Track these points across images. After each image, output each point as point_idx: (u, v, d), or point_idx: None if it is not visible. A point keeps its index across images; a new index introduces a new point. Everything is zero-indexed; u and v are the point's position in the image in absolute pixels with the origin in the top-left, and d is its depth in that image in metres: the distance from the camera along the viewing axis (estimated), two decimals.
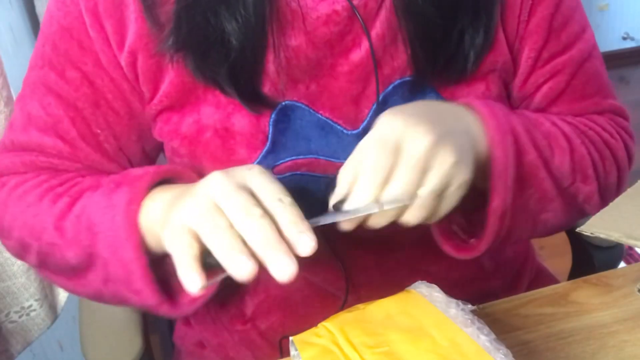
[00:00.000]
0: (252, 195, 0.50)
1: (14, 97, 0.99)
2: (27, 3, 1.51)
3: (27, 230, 0.67)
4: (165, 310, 0.61)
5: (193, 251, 0.50)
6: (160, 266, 0.61)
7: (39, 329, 1.08)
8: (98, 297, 0.67)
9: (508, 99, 0.75)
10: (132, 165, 0.73)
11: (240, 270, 0.47)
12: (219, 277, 0.50)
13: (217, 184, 0.51)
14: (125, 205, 0.59)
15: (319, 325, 0.53)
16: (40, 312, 1.06)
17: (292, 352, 0.51)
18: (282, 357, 0.69)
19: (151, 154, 0.75)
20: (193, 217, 0.50)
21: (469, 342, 0.48)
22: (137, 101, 0.69)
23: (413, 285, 0.56)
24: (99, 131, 0.69)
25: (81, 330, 0.89)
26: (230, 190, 0.50)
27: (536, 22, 0.70)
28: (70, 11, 0.66)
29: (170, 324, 0.94)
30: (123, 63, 0.66)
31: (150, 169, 0.62)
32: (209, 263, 0.50)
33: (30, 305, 1.05)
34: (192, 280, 0.48)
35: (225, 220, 0.49)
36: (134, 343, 0.84)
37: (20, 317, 1.05)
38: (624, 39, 3.34)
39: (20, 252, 0.71)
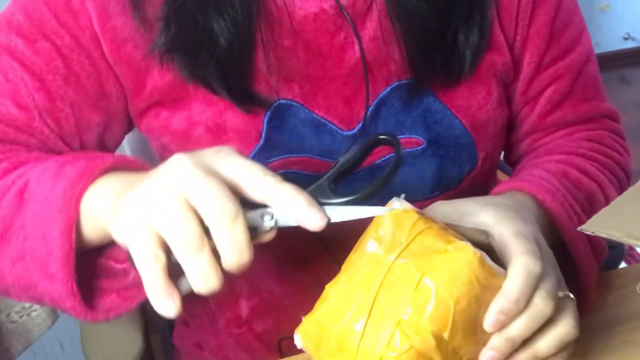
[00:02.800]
0: (224, 181, 0.45)
1: None
2: None
3: None
4: (72, 307, 0.52)
5: (160, 262, 0.44)
6: (84, 260, 0.53)
7: (40, 329, 1.08)
8: (2, 283, 0.57)
9: (508, 103, 0.74)
10: (83, 149, 0.69)
11: (203, 286, 0.44)
12: (188, 286, 0.45)
13: (182, 167, 0.45)
14: (74, 177, 0.52)
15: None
16: (41, 312, 1.06)
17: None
18: (282, 357, 0.69)
19: (107, 145, 0.71)
20: (151, 205, 0.44)
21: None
22: (111, 84, 0.67)
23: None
24: (61, 107, 0.66)
25: (82, 331, 0.89)
26: (199, 176, 0.44)
27: (537, 26, 0.70)
28: None
29: (171, 324, 0.95)
30: (105, 46, 0.64)
31: (120, 155, 0.56)
32: (173, 261, 0.45)
33: (31, 305, 1.05)
34: (165, 306, 0.44)
35: (192, 215, 0.43)
36: (134, 343, 0.84)
37: (21, 317, 1.05)
38: (625, 39, 3.33)
39: None
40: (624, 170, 0.75)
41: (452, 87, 0.68)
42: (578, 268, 0.62)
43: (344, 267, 0.50)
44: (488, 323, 0.48)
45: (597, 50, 3.19)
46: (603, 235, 0.48)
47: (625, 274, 0.72)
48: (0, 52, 0.66)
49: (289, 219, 0.47)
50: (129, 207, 0.45)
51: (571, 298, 0.52)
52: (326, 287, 0.49)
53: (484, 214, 0.54)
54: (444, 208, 0.56)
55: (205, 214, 0.44)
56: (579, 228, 0.49)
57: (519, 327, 0.48)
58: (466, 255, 0.47)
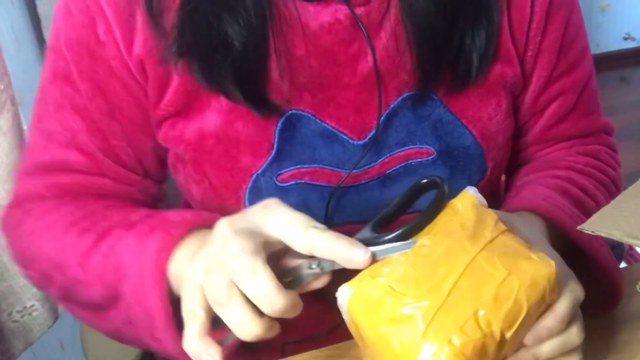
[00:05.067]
0: (262, 236, 0.49)
1: (17, 97, 1.00)
2: (29, 3, 1.52)
3: (51, 264, 0.67)
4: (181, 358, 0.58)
5: (197, 319, 0.49)
6: None
7: (41, 328, 1.08)
8: (118, 336, 0.66)
9: (515, 113, 0.75)
10: (148, 174, 0.73)
11: (243, 333, 0.48)
12: (233, 336, 0.49)
13: (218, 232, 0.50)
14: (156, 253, 0.58)
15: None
16: (42, 312, 1.07)
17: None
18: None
19: (165, 159, 0.74)
20: (198, 271, 0.50)
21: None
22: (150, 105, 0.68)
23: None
24: (115, 142, 0.69)
25: (82, 331, 0.89)
26: (229, 238, 0.49)
27: (549, 41, 0.71)
28: (78, 21, 0.66)
29: None
30: (133, 69, 0.66)
31: (187, 215, 0.61)
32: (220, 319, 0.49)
33: (32, 305, 1.05)
34: (198, 357, 0.49)
35: (225, 276, 0.48)
36: None
37: (22, 317, 1.05)
38: (625, 39, 3.34)
39: (43, 283, 0.70)
40: (616, 187, 0.77)
41: (461, 95, 0.68)
42: (602, 270, 0.63)
43: (419, 239, 0.50)
44: (532, 335, 0.50)
45: (597, 50, 3.21)
46: (603, 234, 0.48)
47: (625, 274, 0.72)
48: (52, 102, 0.69)
49: (334, 264, 0.50)
50: (186, 277, 0.52)
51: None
52: (397, 254, 0.50)
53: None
54: None
55: (227, 271, 0.48)
56: (578, 227, 0.49)
57: (549, 349, 0.52)
58: (549, 268, 0.50)
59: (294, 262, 0.52)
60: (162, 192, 0.76)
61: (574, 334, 0.52)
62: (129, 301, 0.60)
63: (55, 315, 1.11)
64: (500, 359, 0.50)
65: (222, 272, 0.48)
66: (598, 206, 0.70)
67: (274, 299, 0.47)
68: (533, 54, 0.71)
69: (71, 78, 0.67)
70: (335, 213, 0.69)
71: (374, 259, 0.49)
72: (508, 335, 0.48)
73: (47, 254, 0.67)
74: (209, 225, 0.58)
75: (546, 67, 0.72)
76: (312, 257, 0.50)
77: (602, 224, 0.49)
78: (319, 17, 0.64)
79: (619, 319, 0.65)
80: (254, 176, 0.67)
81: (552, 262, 0.50)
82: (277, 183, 0.67)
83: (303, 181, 0.68)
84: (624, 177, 0.79)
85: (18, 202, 0.72)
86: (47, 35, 1.58)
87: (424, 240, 0.50)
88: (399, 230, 0.50)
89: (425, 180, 0.55)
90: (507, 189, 0.81)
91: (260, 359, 0.79)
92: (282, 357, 0.66)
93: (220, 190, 0.68)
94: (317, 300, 0.53)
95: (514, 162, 0.81)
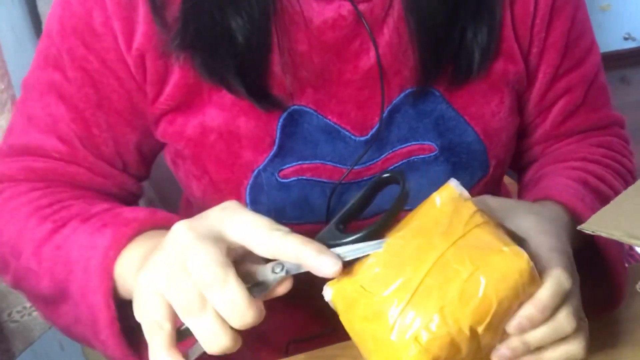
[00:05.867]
0: (225, 241, 0.47)
1: (17, 97, 1.00)
2: (29, 3, 1.52)
3: (9, 247, 0.66)
4: None
5: (163, 331, 0.46)
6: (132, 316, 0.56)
7: (41, 328, 1.08)
8: (69, 334, 0.64)
9: (520, 111, 0.75)
10: (127, 169, 0.72)
11: (212, 346, 0.46)
12: (200, 349, 0.47)
13: (180, 235, 0.47)
14: (104, 250, 0.57)
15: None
16: None
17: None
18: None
19: (148, 157, 0.74)
20: (155, 276, 0.47)
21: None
22: (141, 101, 0.68)
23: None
24: (97, 132, 0.69)
25: None
26: (194, 244, 0.46)
27: (554, 38, 0.71)
28: (76, 11, 0.66)
29: None
30: (131, 63, 0.66)
31: (142, 213, 0.60)
32: (185, 330, 0.48)
33: (32, 305, 1.05)
34: None
35: (193, 286, 0.46)
36: None
37: (22, 316, 1.05)
38: (626, 39, 3.34)
39: (1, 268, 0.69)
40: (633, 177, 0.77)
41: (464, 91, 0.68)
42: (610, 268, 0.63)
43: (391, 237, 0.51)
44: (513, 326, 0.50)
45: None
46: (603, 234, 0.48)
47: None
48: (38, 87, 0.69)
49: (300, 267, 0.48)
50: (140, 282, 0.48)
51: (585, 321, 0.54)
52: (371, 254, 0.50)
53: (526, 221, 0.56)
54: (492, 202, 0.58)
55: (195, 281, 0.46)
56: (579, 227, 0.49)
57: (539, 336, 0.51)
58: (520, 262, 0.49)
59: (254, 267, 0.50)
60: (140, 190, 0.76)
61: (563, 321, 0.51)
62: (75, 298, 0.59)
63: None
64: (484, 351, 0.50)
65: (189, 281, 0.46)
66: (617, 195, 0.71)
67: (246, 313, 0.45)
68: (538, 50, 0.71)
69: (61, 65, 0.67)
70: (336, 210, 0.69)
71: (342, 262, 0.48)
72: (480, 329, 0.48)
73: (7, 238, 0.66)
74: (164, 226, 0.58)
75: (552, 63, 0.72)
76: (273, 260, 0.49)
77: (602, 223, 0.49)
78: (323, 13, 0.64)
79: (620, 319, 0.65)
80: (255, 172, 0.67)
81: (525, 255, 0.49)
82: (279, 179, 0.67)
83: (305, 177, 0.68)
84: None
85: None
86: None
87: (396, 238, 0.50)
88: (365, 230, 0.50)
89: (385, 175, 0.54)
90: (519, 188, 0.81)
91: (263, 357, 0.79)
92: (286, 356, 0.66)
93: (221, 186, 0.68)
94: (322, 298, 0.53)
95: (521, 162, 0.81)
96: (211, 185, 0.69)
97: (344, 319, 0.51)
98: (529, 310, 0.50)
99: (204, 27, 0.63)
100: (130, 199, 0.74)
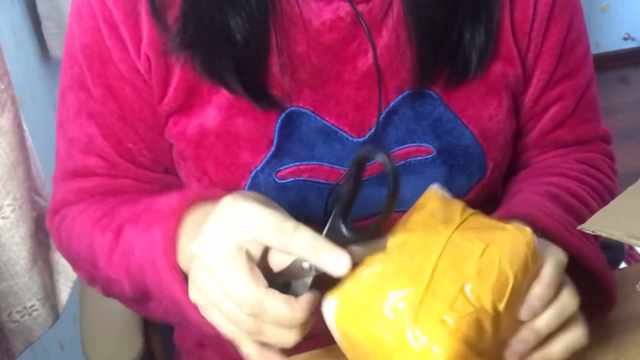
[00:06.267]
0: (242, 247, 0.49)
1: (17, 97, 1.00)
2: (29, 3, 1.51)
3: (88, 263, 0.69)
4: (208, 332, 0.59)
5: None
6: None
7: (41, 328, 1.08)
8: (170, 323, 0.69)
9: (516, 114, 0.75)
10: (169, 172, 0.74)
11: (283, 344, 0.50)
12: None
13: (203, 258, 0.50)
14: (162, 248, 0.58)
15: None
16: (42, 312, 1.06)
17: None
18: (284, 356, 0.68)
19: None
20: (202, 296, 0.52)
21: None
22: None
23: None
24: (131, 145, 0.70)
25: (82, 331, 0.89)
26: (220, 270, 0.49)
27: (550, 44, 0.71)
28: (89, 27, 0.67)
29: (171, 324, 0.94)
30: (142, 69, 0.66)
31: (174, 202, 0.60)
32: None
33: (33, 305, 1.05)
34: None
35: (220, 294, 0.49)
36: (134, 343, 0.84)
37: (22, 317, 1.05)
38: (625, 39, 3.34)
39: (90, 282, 0.73)
40: (611, 195, 0.77)
41: (462, 94, 0.68)
42: (593, 273, 0.62)
43: (391, 235, 0.50)
44: (525, 310, 0.50)
45: (597, 50, 3.21)
46: (603, 234, 0.48)
47: (625, 274, 0.72)
48: (71, 108, 0.71)
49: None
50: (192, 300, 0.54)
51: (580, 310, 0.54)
52: (375, 253, 0.49)
53: None
54: None
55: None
56: (579, 227, 0.49)
57: (547, 320, 0.51)
58: (526, 235, 0.50)
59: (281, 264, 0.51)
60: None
61: (567, 299, 0.51)
62: (157, 296, 0.61)
63: (55, 315, 1.10)
64: (500, 339, 0.49)
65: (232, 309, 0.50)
66: (591, 213, 0.70)
67: (295, 318, 0.48)
68: (534, 55, 0.71)
69: (86, 84, 0.69)
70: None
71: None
72: (501, 307, 0.47)
73: (83, 254, 0.70)
74: (202, 201, 0.59)
75: (546, 69, 0.72)
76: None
77: (603, 223, 0.49)
78: (321, 14, 0.64)
79: (620, 319, 0.65)
80: (253, 173, 0.67)
81: (528, 229, 0.50)
82: (276, 180, 0.68)
83: (302, 178, 0.68)
84: (624, 177, 0.79)
85: (55, 208, 0.76)
86: (47, 35, 1.59)
87: (396, 236, 0.50)
88: (365, 232, 0.49)
89: (364, 150, 0.51)
90: (502, 195, 0.81)
91: None
92: (282, 351, 0.66)
93: (219, 187, 0.68)
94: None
95: (513, 167, 0.81)
96: (210, 186, 0.69)
97: (353, 327, 0.48)
98: (537, 289, 0.50)
99: (204, 26, 0.63)
100: None
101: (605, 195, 0.75)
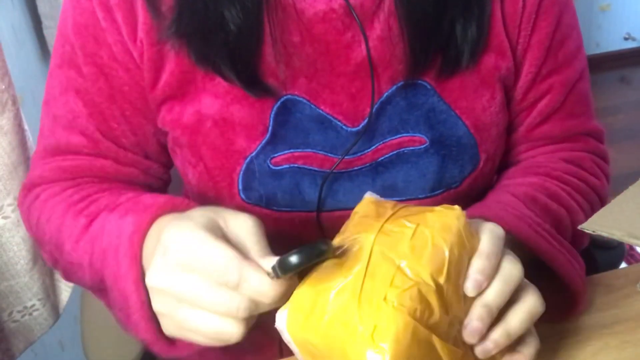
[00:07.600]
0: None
1: (17, 97, 1.00)
2: (29, 3, 1.52)
3: (53, 245, 0.69)
4: (160, 349, 0.58)
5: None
6: None
7: (41, 328, 1.08)
8: (117, 321, 0.66)
9: (507, 107, 0.75)
10: (150, 157, 0.74)
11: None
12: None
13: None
14: (129, 237, 0.58)
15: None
16: (42, 311, 1.07)
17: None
18: (281, 357, 0.69)
19: (166, 146, 0.75)
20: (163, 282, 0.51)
21: None
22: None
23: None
24: (115, 125, 0.71)
25: (83, 331, 0.89)
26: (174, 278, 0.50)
27: (538, 37, 0.71)
28: (85, 8, 0.68)
29: None
30: (135, 53, 0.67)
31: (160, 199, 0.62)
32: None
33: (33, 305, 1.05)
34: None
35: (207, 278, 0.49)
36: (134, 343, 0.84)
37: (23, 316, 1.05)
38: (626, 39, 3.34)
39: (53, 264, 0.73)
40: (598, 195, 0.76)
41: (455, 85, 0.69)
42: (562, 277, 0.62)
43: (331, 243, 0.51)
44: (469, 285, 0.50)
45: (597, 50, 3.21)
46: (604, 234, 0.48)
47: (626, 274, 0.72)
48: (58, 86, 0.72)
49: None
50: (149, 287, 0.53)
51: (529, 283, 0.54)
52: (317, 262, 0.49)
53: None
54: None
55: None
56: (579, 226, 0.49)
57: (494, 292, 0.50)
58: (454, 211, 0.51)
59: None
60: (168, 175, 0.78)
61: (509, 268, 0.51)
62: (110, 285, 0.61)
63: (55, 315, 1.11)
64: (452, 317, 0.49)
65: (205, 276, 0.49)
66: (570, 215, 0.70)
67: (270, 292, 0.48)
68: (522, 48, 0.71)
69: (76, 62, 0.70)
70: (327, 199, 0.70)
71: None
72: (441, 279, 0.48)
73: (50, 235, 0.69)
74: (184, 210, 0.59)
75: (534, 63, 0.72)
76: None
77: (603, 223, 0.49)
78: (314, 5, 0.65)
79: (619, 319, 0.65)
80: (248, 159, 0.68)
81: (457, 206, 0.51)
82: (271, 166, 0.68)
83: (296, 165, 0.69)
84: (624, 177, 0.79)
85: (29, 186, 0.75)
86: (48, 35, 1.58)
87: (334, 241, 0.52)
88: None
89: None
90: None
91: (257, 358, 0.79)
92: (281, 357, 0.66)
93: (214, 173, 0.69)
94: None
95: (505, 163, 0.81)
96: (206, 172, 0.70)
97: (306, 331, 0.48)
98: (476, 263, 0.50)
99: (198, 16, 0.64)
100: (158, 185, 0.77)
101: (591, 195, 0.75)
